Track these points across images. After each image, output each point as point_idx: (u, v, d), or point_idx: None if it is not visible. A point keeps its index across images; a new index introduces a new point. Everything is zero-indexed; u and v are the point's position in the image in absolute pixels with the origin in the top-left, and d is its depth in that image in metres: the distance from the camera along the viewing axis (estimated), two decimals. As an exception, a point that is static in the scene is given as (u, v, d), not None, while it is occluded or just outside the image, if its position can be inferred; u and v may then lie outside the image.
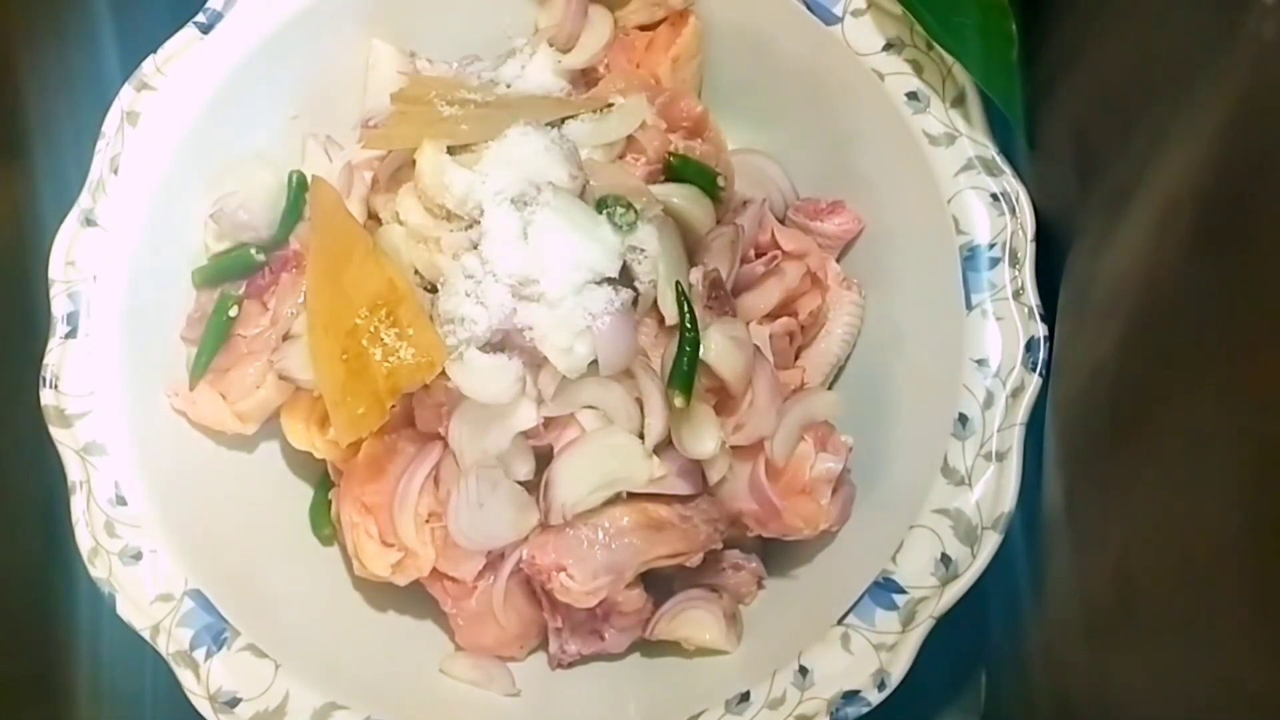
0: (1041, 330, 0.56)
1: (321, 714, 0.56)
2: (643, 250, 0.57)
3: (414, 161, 0.61)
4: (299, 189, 0.65)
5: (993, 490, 0.55)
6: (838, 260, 0.66)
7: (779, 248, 0.63)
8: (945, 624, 0.54)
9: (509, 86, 0.65)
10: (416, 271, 0.60)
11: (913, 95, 0.60)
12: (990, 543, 0.54)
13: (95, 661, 0.61)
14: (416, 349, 0.56)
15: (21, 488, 0.64)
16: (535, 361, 0.57)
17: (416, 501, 0.59)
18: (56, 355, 0.60)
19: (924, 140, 0.60)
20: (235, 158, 0.65)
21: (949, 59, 0.60)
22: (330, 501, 0.63)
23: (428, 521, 0.59)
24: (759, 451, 0.57)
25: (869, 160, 0.64)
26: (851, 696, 0.53)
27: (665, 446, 0.57)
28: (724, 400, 0.57)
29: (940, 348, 0.58)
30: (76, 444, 0.59)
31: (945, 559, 0.54)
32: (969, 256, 0.58)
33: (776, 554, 0.62)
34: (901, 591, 0.55)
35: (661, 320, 0.58)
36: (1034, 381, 0.55)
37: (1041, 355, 0.55)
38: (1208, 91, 0.40)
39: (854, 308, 0.65)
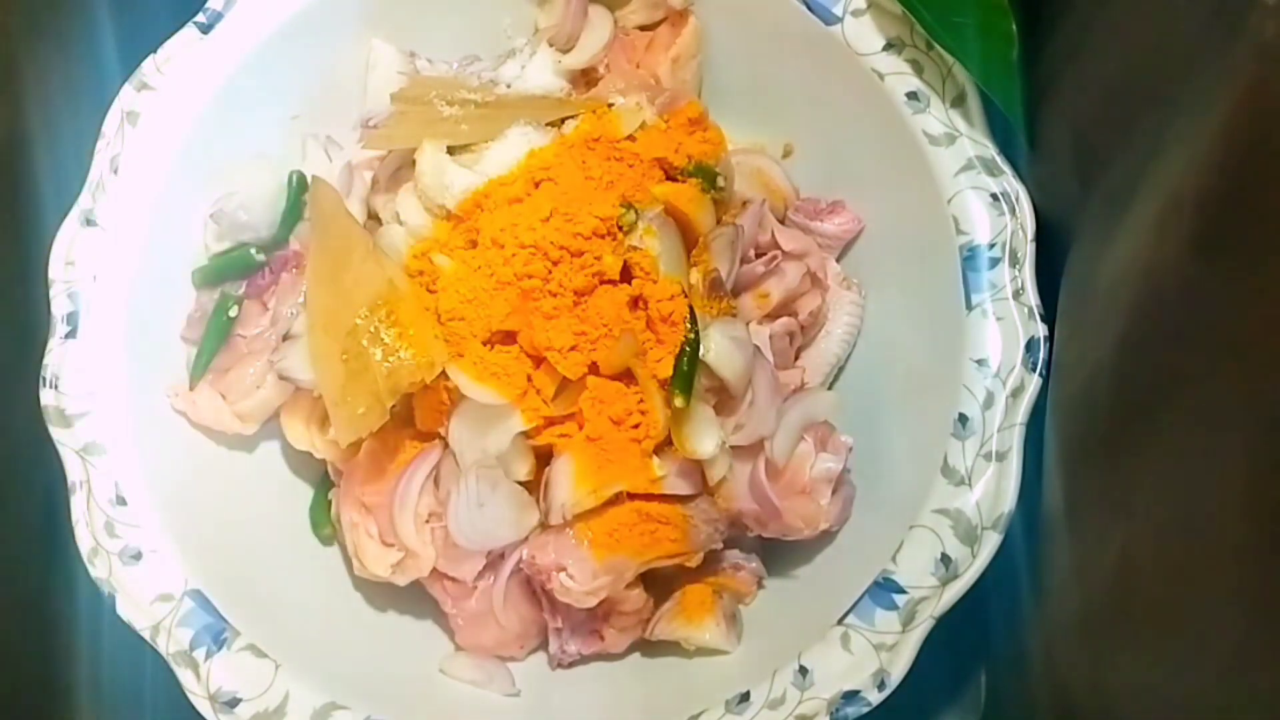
0: (1041, 330, 0.56)
1: (321, 714, 0.56)
2: (643, 250, 0.57)
3: (414, 161, 0.61)
4: (299, 189, 0.65)
5: (993, 490, 0.55)
6: (838, 260, 0.66)
7: (779, 248, 0.63)
8: (945, 624, 0.54)
9: (509, 87, 0.65)
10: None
11: (913, 95, 0.60)
12: (990, 543, 0.54)
13: (95, 661, 0.61)
14: (416, 349, 0.56)
15: (21, 488, 0.64)
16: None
17: (416, 501, 0.59)
18: (56, 355, 0.60)
19: (924, 140, 0.60)
20: (235, 158, 0.65)
21: (949, 59, 0.60)
22: (330, 501, 0.63)
23: (428, 521, 0.59)
24: (759, 451, 0.57)
25: (869, 160, 0.64)
26: (851, 696, 0.53)
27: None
28: (724, 400, 0.57)
29: (940, 348, 0.58)
30: (76, 444, 0.59)
31: (945, 559, 0.54)
32: (969, 256, 0.58)
33: (776, 554, 0.62)
34: (901, 591, 0.55)
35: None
36: (1034, 381, 0.55)
37: (1041, 355, 0.55)
38: (1208, 91, 0.40)
39: (854, 308, 0.65)
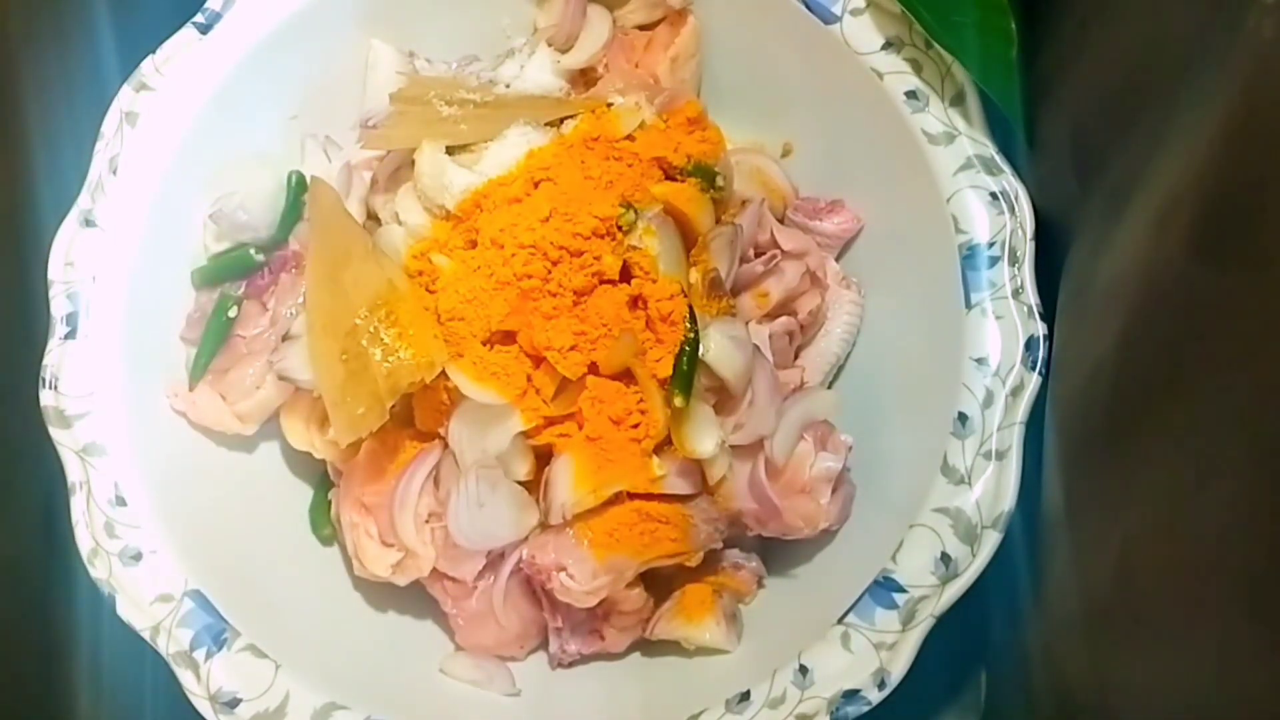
0: (1041, 329, 0.56)
1: (321, 714, 0.56)
2: (642, 250, 0.57)
3: (413, 161, 0.61)
4: (298, 189, 0.65)
5: (992, 489, 0.55)
6: (837, 259, 0.66)
7: (778, 247, 0.63)
8: (945, 623, 0.54)
9: (508, 86, 0.65)
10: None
11: (911, 94, 0.60)
12: (990, 541, 0.54)
13: (95, 661, 0.61)
14: (416, 349, 0.56)
15: (21, 488, 0.64)
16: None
17: (416, 501, 0.59)
18: (56, 356, 0.60)
19: (923, 139, 0.60)
20: (234, 158, 0.65)
21: (948, 58, 0.60)
22: (330, 501, 0.63)
23: (428, 521, 0.59)
24: (759, 451, 0.57)
25: (868, 159, 0.64)
26: (851, 695, 0.53)
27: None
28: (724, 400, 0.57)
29: (940, 346, 0.58)
30: (76, 444, 0.59)
31: (945, 558, 0.54)
32: (968, 255, 0.58)
33: (776, 553, 0.62)
34: (901, 590, 0.55)
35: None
36: (1033, 380, 0.55)
37: (1041, 354, 0.55)
38: (1208, 91, 0.40)
39: (853, 307, 0.65)
